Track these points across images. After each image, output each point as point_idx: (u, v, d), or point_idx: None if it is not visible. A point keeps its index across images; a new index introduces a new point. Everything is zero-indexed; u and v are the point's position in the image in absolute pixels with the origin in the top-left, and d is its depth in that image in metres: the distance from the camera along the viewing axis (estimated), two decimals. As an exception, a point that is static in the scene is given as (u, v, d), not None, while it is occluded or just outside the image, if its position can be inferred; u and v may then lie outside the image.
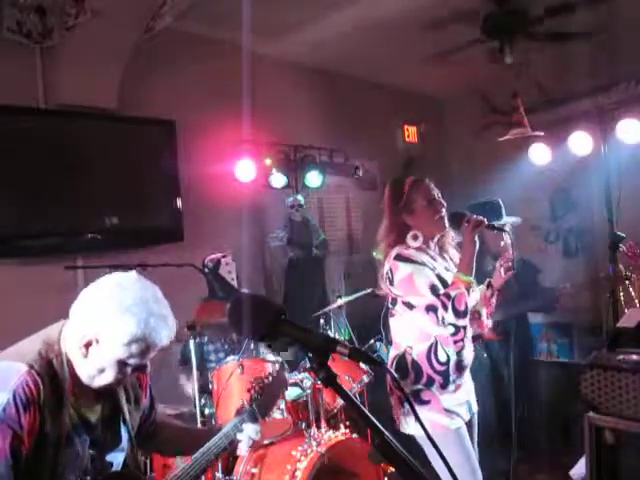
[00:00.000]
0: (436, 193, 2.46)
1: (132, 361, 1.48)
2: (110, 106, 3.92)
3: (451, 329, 2.31)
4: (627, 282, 3.93)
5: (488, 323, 2.58)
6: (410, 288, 2.33)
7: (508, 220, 3.59)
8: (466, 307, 2.26)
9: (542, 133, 4.45)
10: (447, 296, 2.26)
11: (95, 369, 1.47)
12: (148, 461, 2.92)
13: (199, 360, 3.01)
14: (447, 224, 2.44)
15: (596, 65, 4.66)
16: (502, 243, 3.36)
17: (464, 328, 2.34)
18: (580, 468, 2.59)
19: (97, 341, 1.44)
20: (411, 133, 6.52)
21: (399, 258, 2.36)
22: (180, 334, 2.88)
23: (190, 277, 3.43)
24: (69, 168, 3.68)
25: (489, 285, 2.54)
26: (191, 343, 2.89)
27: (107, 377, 1.48)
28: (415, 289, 2.32)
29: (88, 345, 1.44)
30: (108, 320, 1.43)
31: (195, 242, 4.14)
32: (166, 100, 4.22)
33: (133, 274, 1.52)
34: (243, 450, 1.84)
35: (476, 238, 2.33)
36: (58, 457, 1.41)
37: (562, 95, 5.03)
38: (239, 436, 1.79)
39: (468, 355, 2.46)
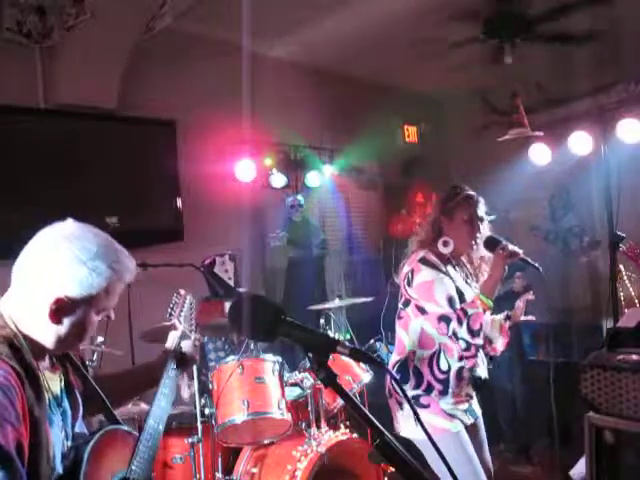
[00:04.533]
0: (482, 216, 2.46)
1: (106, 306, 1.40)
2: (110, 106, 3.92)
3: (463, 344, 2.31)
4: (627, 282, 3.93)
5: (499, 349, 2.57)
6: (427, 295, 2.33)
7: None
8: (480, 327, 2.26)
9: (542, 133, 4.45)
10: (464, 312, 2.26)
11: (69, 330, 1.35)
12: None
13: (199, 360, 3.00)
14: (475, 247, 2.45)
15: (596, 65, 4.65)
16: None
17: (476, 346, 2.34)
18: (580, 468, 2.59)
19: (70, 301, 1.31)
20: (411, 133, 6.52)
21: (423, 262, 2.36)
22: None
23: (190, 277, 3.43)
24: (69, 168, 3.68)
25: (507, 317, 2.54)
26: (191, 343, 2.88)
27: (83, 335, 1.40)
28: (432, 297, 2.32)
29: (60, 310, 1.31)
30: (79, 274, 1.31)
31: (195, 242, 4.14)
32: (166, 100, 4.22)
33: (69, 221, 1.40)
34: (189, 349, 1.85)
35: (506, 266, 2.34)
36: (49, 440, 1.32)
37: (562, 95, 5.03)
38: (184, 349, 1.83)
39: (481, 372, 2.47)
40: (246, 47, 4.03)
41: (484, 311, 2.27)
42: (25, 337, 1.33)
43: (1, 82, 3.47)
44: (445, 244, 2.41)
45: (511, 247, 2.35)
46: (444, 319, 2.30)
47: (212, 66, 4.44)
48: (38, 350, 1.36)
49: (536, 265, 2.44)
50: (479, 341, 2.29)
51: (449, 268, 2.42)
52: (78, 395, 1.52)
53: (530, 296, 2.52)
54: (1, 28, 3.50)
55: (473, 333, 2.24)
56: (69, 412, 1.46)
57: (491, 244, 2.40)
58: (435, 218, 2.48)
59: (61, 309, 1.31)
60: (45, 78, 3.77)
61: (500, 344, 2.50)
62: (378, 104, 5.91)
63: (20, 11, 3.52)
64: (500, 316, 2.50)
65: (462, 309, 2.28)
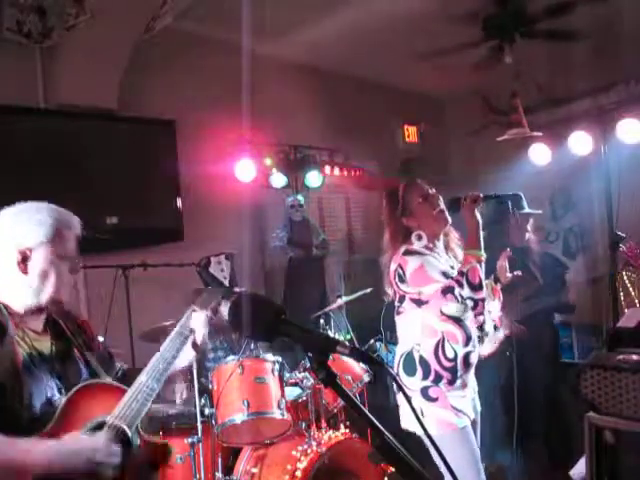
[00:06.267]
0: (430, 189, 2.49)
1: (64, 253, 1.63)
2: (110, 106, 3.93)
3: (470, 303, 2.33)
4: (627, 282, 3.93)
5: (500, 317, 2.59)
6: (423, 278, 2.34)
7: (530, 211, 3.60)
8: (480, 280, 2.29)
9: (540, 133, 4.45)
10: (461, 273, 2.30)
11: (39, 278, 1.58)
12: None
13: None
14: (448, 217, 2.47)
15: (596, 65, 4.66)
16: (527, 236, 3.44)
17: (482, 301, 2.35)
18: (580, 468, 2.59)
19: (30, 250, 1.58)
20: (411, 133, 6.52)
21: (407, 253, 2.39)
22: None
23: (190, 277, 3.42)
24: (69, 168, 3.68)
25: (496, 279, 2.56)
26: (191, 343, 2.88)
27: (52, 281, 1.60)
28: (428, 278, 2.33)
29: (25, 259, 1.57)
30: (27, 228, 1.60)
31: (195, 242, 4.14)
32: (166, 100, 4.22)
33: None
34: (199, 338, 1.87)
35: (477, 212, 2.37)
36: (22, 386, 1.50)
37: (562, 95, 5.03)
38: (192, 324, 1.87)
39: (488, 327, 2.48)
40: (246, 47, 4.02)
41: (479, 263, 2.30)
42: (6, 307, 1.58)
43: (1, 82, 3.47)
44: (419, 238, 2.43)
45: (470, 194, 2.39)
46: (449, 290, 2.31)
47: (212, 66, 4.45)
48: (17, 315, 1.59)
49: (500, 195, 2.49)
50: (483, 294, 2.32)
51: (433, 254, 2.43)
52: (83, 368, 1.70)
53: (508, 253, 2.56)
54: (1, 28, 3.50)
55: (475, 288, 2.27)
56: (65, 378, 1.64)
57: (455, 204, 2.44)
58: (395, 226, 2.48)
59: (24, 259, 1.57)
60: (45, 78, 3.77)
61: (495, 309, 2.52)
62: (378, 104, 5.92)
63: (20, 11, 3.52)
64: (489, 280, 2.52)
65: (459, 272, 2.31)
